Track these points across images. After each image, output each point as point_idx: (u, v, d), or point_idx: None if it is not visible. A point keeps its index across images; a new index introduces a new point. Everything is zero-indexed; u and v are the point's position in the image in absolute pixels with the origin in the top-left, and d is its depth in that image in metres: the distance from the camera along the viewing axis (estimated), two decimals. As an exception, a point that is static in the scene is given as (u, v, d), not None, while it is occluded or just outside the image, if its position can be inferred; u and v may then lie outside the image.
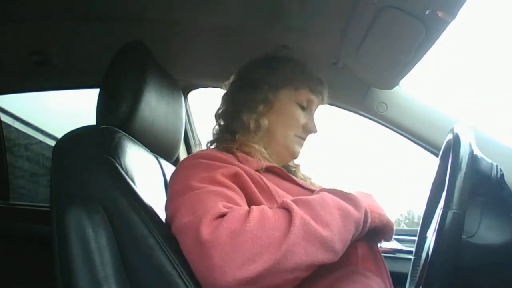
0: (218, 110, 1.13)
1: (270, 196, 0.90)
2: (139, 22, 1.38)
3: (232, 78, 1.15)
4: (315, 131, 1.10)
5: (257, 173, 0.94)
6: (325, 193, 0.87)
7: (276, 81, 1.08)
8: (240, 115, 1.06)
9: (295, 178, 1.04)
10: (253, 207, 0.80)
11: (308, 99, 1.10)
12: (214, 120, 1.13)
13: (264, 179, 0.93)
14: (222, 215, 0.77)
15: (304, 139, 1.10)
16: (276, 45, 1.18)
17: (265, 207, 0.81)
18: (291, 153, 1.09)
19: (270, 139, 1.06)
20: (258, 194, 0.89)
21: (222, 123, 1.11)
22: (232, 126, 1.08)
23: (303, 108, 1.09)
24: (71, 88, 1.83)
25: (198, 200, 0.81)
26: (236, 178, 0.88)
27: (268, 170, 1.00)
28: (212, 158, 0.93)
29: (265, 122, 1.05)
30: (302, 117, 1.09)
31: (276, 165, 1.03)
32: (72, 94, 1.93)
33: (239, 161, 0.96)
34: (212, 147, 1.10)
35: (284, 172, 1.02)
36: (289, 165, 1.15)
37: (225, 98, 1.14)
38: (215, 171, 0.87)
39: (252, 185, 0.89)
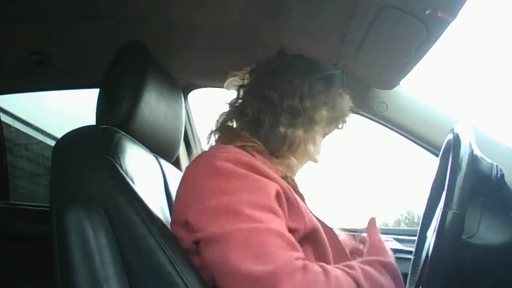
0: (251, 99, 0.99)
1: (297, 214, 0.84)
2: (139, 22, 1.38)
3: (271, 70, 1.01)
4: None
5: (286, 184, 0.88)
6: (379, 267, 0.86)
7: (328, 110, 1.02)
8: (292, 128, 0.96)
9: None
10: (328, 268, 0.77)
11: (331, 134, 1.07)
12: (243, 105, 1.01)
13: (294, 192, 0.88)
14: (298, 270, 0.73)
15: None
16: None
17: (338, 273, 0.78)
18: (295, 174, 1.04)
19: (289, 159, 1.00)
20: (288, 215, 0.83)
21: (251, 115, 0.97)
22: (270, 129, 0.96)
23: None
24: (71, 88, 1.84)
25: (260, 243, 0.74)
26: (278, 200, 0.82)
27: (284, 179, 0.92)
28: (245, 165, 0.83)
29: (310, 147, 0.99)
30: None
31: (291, 176, 0.97)
32: (72, 94, 1.94)
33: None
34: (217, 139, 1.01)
35: (297, 187, 0.98)
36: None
37: (267, 91, 0.98)
38: (261, 192, 0.80)
39: (286, 207, 0.83)
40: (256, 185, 0.81)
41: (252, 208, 0.77)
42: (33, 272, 1.51)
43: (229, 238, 0.75)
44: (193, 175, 0.86)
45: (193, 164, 0.89)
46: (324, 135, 1.05)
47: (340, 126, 1.06)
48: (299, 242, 0.81)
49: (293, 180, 0.98)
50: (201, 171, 0.85)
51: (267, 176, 0.84)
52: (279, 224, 0.78)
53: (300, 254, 0.77)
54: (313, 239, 0.87)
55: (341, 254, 0.94)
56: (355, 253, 1.04)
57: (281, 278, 0.71)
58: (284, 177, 0.92)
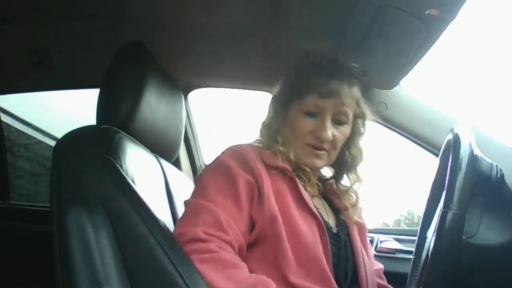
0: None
1: (262, 204, 0.94)
2: (139, 22, 1.38)
3: None
4: (324, 138, 1.03)
5: (266, 175, 0.97)
6: None
7: (286, 93, 1.09)
8: (268, 127, 1.09)
9: (302, 190, 1.01)
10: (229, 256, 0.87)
11: (317, 105, 1.04)
12: None
13: (279, 183, 0.98)
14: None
15: (320, 149, 1.04)
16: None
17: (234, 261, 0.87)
18: (305, 164, 1.05)
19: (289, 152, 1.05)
20: (256, 204, 0.95)
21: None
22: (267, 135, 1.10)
23: (312, 115, 1.04)
24: (71, 88, 1.83)
25: (197, 214, 0.92)
26: (248, 189, 0.95)
27: (283, 172, 1.00)
28: (237, 156, 0.99)
29: (281, 136, 1.06)
30: (309, 125, 1.04)
31: (289, 168, 1.01)
32: (72, 94, 1.94)
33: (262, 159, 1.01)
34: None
35: (294, 180, 1.01)
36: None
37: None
38: (231, 183, 0.95)
39: (257, 197, 0.95)
40: (229, 175, 0.95)
41: (217, 191, 0.93)
42: (33, 272, 1.51)
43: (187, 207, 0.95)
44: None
45: None
46: (304, 111, 1.05)
47: (320, 94, 1.03)
48: (258, 232, 0.94)
49: (291, 171, 1.01)
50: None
51: (248, 169, 0.96)
52: (229, 209, 0.92)
53: (222, 234, 0.88)
54: (271, 229, 0.94)
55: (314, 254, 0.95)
56: None
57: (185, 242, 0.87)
58: (282, 168, 1.00)
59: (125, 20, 1.39)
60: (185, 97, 1.77)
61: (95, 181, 0.87)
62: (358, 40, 1.16)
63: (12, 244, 1.75)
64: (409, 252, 1.15)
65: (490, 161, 0.85)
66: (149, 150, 1.11)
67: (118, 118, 0.98)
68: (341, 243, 1.01)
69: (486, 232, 0.80)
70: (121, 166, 0.89)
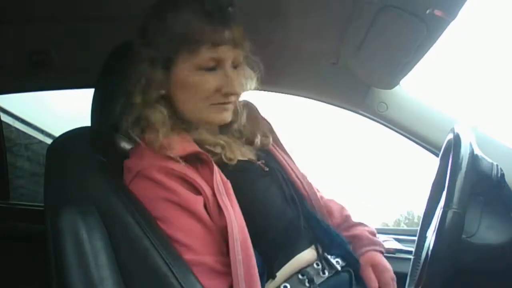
0: None
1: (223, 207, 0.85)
2: (139, 22, 1.38)
3: None
4: (234, 92, 0.92)
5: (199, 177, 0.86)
6: None
7: (166, 50, 0.90)
8: (148, 102, 0.91)
9: (216, 178, 0.87)
10: None
11: (213, 57, 0.89)
12: None
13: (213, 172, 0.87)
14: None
15: (228, 103, 0.93)
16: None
17: None
18: (215, 123, 0.95)
19: (183, 121, 0.93)
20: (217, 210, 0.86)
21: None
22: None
23: (210, 68, 0.90)
24: (71, 88, 1.83)
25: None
26: (206, 207, 0.86)
27: (196, 157, 0.88)
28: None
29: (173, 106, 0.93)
30: (212, 82, 0.90)
31: (199, 149, 0.89)
32: (72, 94, 1.94)
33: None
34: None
35: (210, 162, 0.88)
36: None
37: None
38: (191, 212, 0.85)
39: (216, 204, 0.86)
40: (184, 207, 0.84)
41: (186, 234, 0.83)
42: (33, 272, 1.50)
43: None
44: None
45: None
46: (199, 68, 0.90)
47: (212, 42, 0.88)
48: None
49: (204, 153, 0.89)
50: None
51: (188, 186, 0.85)
52: (208, 246, 0.84)
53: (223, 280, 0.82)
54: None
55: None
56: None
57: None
58: (193, 154, 0.88)
59: (125, 20, 1.38)
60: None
61: (88, 183, 0.86)
62: (359, 39, 1.16)
63: (12, 244, 1.74)
64: (409, 252, 1.15)
65: (490, 160, 0.85)
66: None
67: (112, 119, 0.98)
68: (278, 176, 0.99)
69: (486, 232, 0.80)
70: (114, 167, 0.88)
